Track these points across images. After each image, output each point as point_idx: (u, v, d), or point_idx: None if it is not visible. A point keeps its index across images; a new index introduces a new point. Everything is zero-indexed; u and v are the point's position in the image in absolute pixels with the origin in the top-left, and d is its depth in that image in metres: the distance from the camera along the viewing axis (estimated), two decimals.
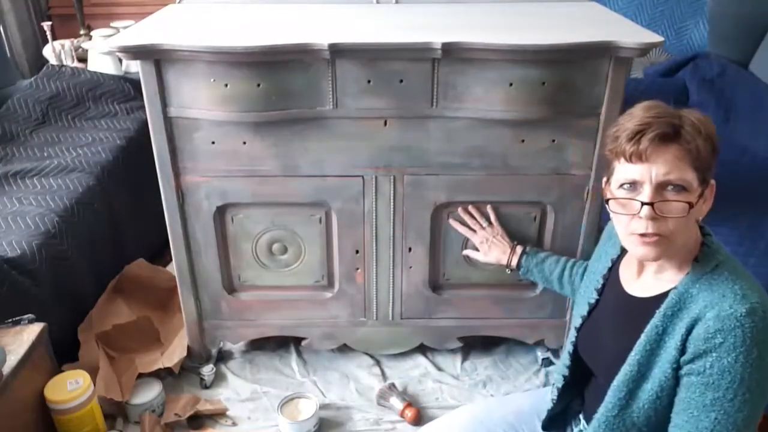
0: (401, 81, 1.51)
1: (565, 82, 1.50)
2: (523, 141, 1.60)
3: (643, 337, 1.02)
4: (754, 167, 2.19)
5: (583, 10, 1.81)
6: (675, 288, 1.01)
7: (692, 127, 0.96)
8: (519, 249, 1.65)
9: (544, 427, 1.30)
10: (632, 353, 1.03)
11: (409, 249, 1.76)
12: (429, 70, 1.50)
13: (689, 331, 0.96)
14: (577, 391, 1.26)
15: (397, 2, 1.89)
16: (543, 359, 1.95)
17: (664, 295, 1.02)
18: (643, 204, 0.96)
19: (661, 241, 0.98)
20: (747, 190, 2.00)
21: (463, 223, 1.69)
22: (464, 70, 1.49)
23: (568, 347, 1.23)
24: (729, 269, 0.99)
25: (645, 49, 1.45)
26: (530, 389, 1.85)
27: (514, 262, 1.64)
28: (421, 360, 1.97)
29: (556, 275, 1.58)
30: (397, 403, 1.77)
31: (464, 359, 1.98)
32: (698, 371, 0.95)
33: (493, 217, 1.67)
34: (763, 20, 2.49)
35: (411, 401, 1.78)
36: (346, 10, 1.79)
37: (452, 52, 1.45)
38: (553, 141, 1.60)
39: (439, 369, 1.94)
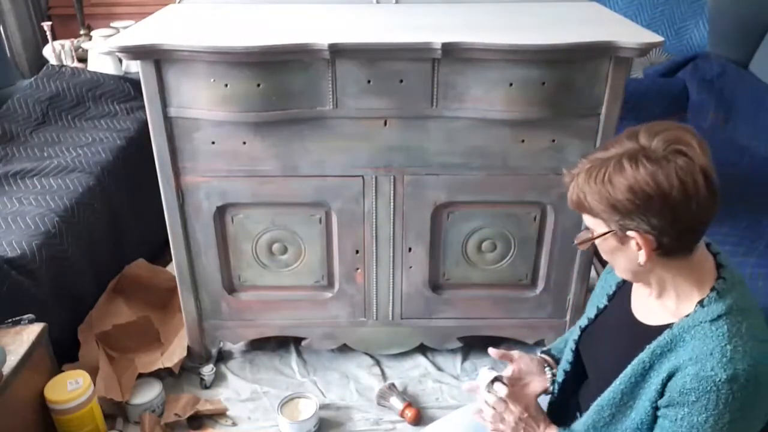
0: (401, 81, 1.51)
1: (565, 82, 1.50)
2: (523, 141, 1.60)
3: (629, 368, 1.01)
4: (754, 167, 2.18)
5: (583, 10, 1.81)
6: (671, 328, 0.98)
7: (586, 173, 0.96)
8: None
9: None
10: (617, 381, 1.02)
11: (409, 249, 1.75)
12: (429, 70, 1.50)
13: (670, 377, 0.96)
14: (576, 388, 1.26)
15: (397, 2, 1.89)
16: None
17: (661, 329, 1.00)
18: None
19: (612, 266, 1.05)
20: (747, 190, 2.00)
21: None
22: (464, 70, 1.49)
23: (570, 344, 1.23)
24: (731, 322, 0.93)
25: (645, 49, 1.45)
26: None
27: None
28: (421, 360, 1.97)
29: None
30: (397, 403, 1.77)
31: (464, 359, 1.97)
32: (672, 418, 0.95)
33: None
34: (763, 20, 2.49)
35: (411, 401, 1.78)
36: (346, 10, 1.79)
37: (452, 52, 1.45)
38: (553, 141, 1.60)
39: (439, 369, 1.94)
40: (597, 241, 1.00)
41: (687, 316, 0.97)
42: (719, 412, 0.90)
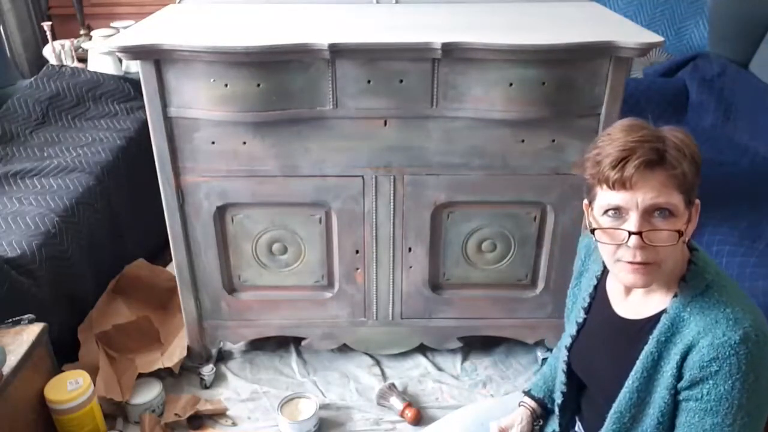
0: (401, 81, 1.52)
1: (565, 82, 1.50)
2: (523, 141, 1.60)
3: (638, 363, 1.00)
4: (754, 167, 2.18)
5: (583, 10, 1.81)
6: (666, 312, 0.98)
7: (677, 150, 0.93)
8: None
9: None
10: (629, 380, 1.01)
11: (409, 249, 1.76)
12: (429, 70, 1.50)
13: (684, 358, 0.95)
14: (573, 397, 1.25)
15: (397, 2, 1.89)
16: (543, 359, 1.95)
17: (656, 317, 1.00)
18: (630, 233, 0.93)
19: (651, 268, 0.95)
20: (747, 190, 2.00)
21: None
22: (464, 70, 1.49)
23: (561, 366, 1.21)
24: (719, 290, 0.97)
25: (645, 49, 1.45)
26: None
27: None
28: (421, 360, 1.97)
29: (549, 364, 1.38)
30: (397, 403, 1.77)
31: (464, 359, 1.98)
32: (696, 397, 0.94)
33: None
34: (763, 20, 2.49)
35: (411, 401, 1.78)
36: (346, 10, 1.79)
37: (452, 52, 1.45)
38: (553, 141, 1.60)
39: (439, 369, 1.94)
40: (665, 236, 0.93)
41: (675, 296, 0.99)
42: (743, 374, 0.91)
